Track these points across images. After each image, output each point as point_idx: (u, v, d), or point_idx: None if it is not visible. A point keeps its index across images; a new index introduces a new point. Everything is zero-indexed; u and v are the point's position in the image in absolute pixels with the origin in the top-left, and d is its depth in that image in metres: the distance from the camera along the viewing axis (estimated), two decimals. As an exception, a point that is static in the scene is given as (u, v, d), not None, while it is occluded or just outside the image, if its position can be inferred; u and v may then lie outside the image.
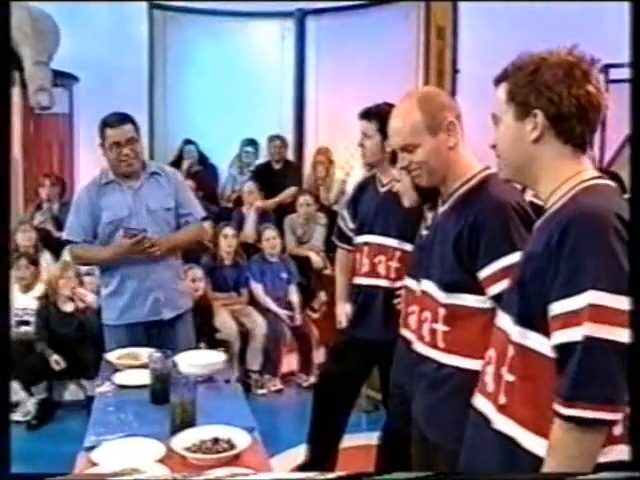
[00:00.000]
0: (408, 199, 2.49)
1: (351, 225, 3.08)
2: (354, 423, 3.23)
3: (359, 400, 3.36)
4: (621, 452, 1.29)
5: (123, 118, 3.09)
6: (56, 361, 4.18)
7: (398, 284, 2.67)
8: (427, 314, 1.84)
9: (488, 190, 1.71)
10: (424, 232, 2.54)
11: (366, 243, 2.93)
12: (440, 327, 1.79)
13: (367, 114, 2.97)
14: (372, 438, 3.15)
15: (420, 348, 1.88)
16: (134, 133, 3.10)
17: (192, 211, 3.24)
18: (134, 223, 3.07)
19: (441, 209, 1.86)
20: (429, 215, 2.52)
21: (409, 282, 2.54)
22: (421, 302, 1.88)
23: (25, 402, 4.20)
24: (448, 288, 1.76)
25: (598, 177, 1.38)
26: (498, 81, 1.44)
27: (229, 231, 5.06)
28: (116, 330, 3.17)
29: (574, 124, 1.35)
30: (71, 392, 4.41)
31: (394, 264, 2.80)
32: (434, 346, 1.81)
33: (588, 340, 1.21)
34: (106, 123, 3.08)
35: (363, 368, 3.08)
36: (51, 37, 5.49)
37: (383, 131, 2.89)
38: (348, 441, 3.22)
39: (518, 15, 5.01)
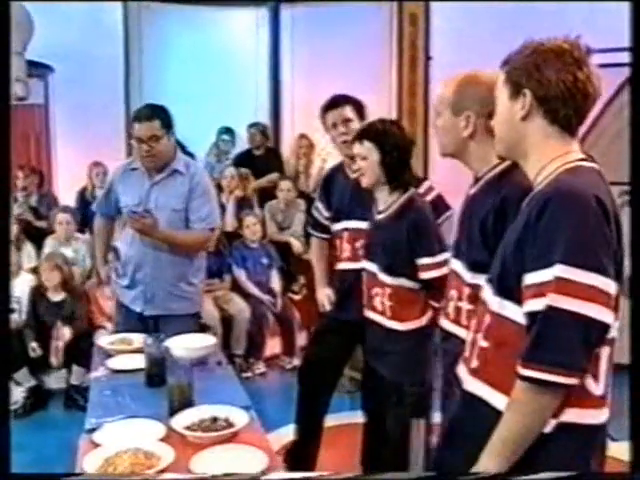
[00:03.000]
0: (369, 178, 2.55)
1: (326, 214, 3.13)
2: (337, 403, 3.28)
3: (342, 381, 3.45)
4: (604, 414, 1.42)
5: (151, 113, 3.03)
6: (33, 348, 4.20)
7: None
8: (453, 292, 1.89)
9: (514, 175, 1.74)
10: (377, 216, 2.61)
11: (345, 229, 2.99)
12: (464, 305, 1.85)
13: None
14: (355, 417, 3.26)
15: (445, 324, 1.94)
16: (159, 130, 3.01)
17: (202, 218, 3.14)
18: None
19: (471, 191, 1.91)
20: (379, 197, 2.60)
21: (368, 265, 2.64)
22: (450, 280, 1.93)
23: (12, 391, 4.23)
24: (473, 268, 1.81)
25: (583, 159, 1.46)
26: (503, 65, 1.53)
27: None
28: (122, 309, 3.25)
29: (559, 106, 1.43)
30: (57, 380, 4.44)
31: None
32: (458, 323, 1.87)
33: (549, 309, 1.32)
34: (135, 116, 3.08)
35: (346, 349, 3.12)
36: (25, 27, 5.40)
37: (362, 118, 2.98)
38: (332, 420, 3.28)
39: (489, 3, 5.09)
